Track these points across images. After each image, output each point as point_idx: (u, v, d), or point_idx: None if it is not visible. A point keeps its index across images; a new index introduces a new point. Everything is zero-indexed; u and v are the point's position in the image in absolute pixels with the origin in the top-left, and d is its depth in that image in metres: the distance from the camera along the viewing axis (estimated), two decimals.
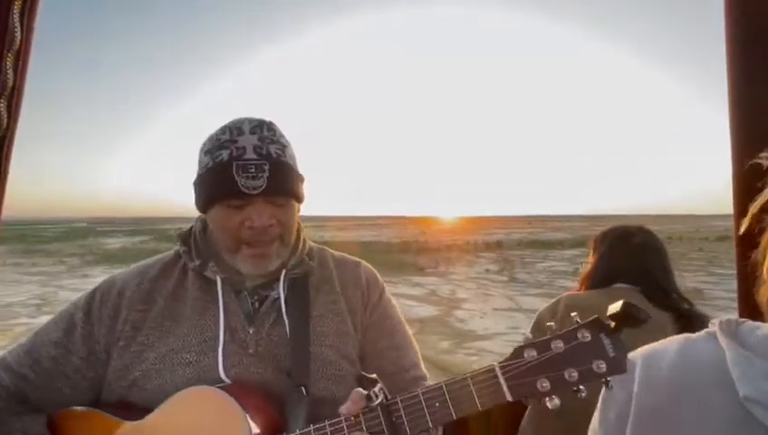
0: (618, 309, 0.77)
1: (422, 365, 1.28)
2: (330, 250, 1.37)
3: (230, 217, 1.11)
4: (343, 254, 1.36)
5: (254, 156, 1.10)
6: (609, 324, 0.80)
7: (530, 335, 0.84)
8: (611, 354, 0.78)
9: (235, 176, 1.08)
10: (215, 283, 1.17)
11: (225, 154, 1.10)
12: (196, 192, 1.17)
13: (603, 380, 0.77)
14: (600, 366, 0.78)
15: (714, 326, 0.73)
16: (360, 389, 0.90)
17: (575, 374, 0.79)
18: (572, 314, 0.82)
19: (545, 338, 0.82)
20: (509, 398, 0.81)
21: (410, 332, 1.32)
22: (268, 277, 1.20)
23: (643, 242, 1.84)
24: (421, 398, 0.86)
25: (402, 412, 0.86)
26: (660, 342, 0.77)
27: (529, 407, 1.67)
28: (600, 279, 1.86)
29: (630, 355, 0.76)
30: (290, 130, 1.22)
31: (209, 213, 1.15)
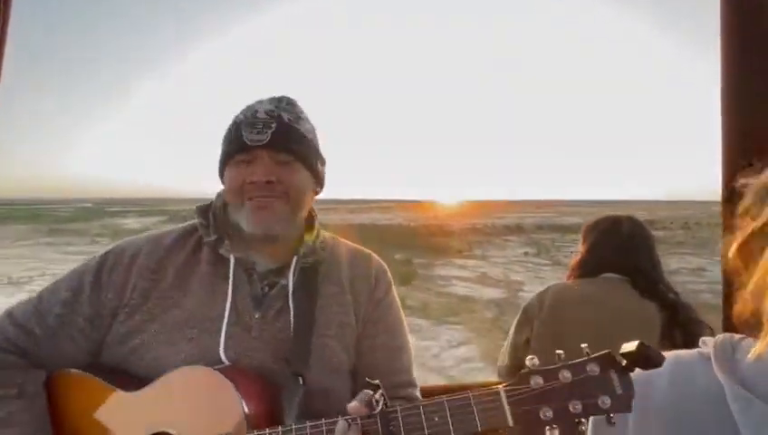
0: (633, 349, 0.75)
1: (413, 371, 1.26)
2: (343, 241, 1.36)
3: (238, 172, 1.13)
4: (356, 245, 1.35)
5: (265, 116, 1.13)
6: (620, 362, 0.77)
7: (537, 362, 0.81)
8: (618, 392, 0.77)
9: (243, 132, 1.12)
10: (227, 261, 1.17)
11: (238, 117, 1.16)
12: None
13: (607, 416, 0.77)
14: (605, 402, 0.77)
15: (706, 347, 0.71)
16: (370, 391, 0.89)
17: (579, 407, 0.78)
18: (583, 346, 0.80)
19: (554, 366, 0.81)
20: (510, 423, 0.80)
21: (408, 335, 1.31)
22: (280, 263, 1.20)
23: (632, 233, 1.87)
24: (421, 410, 0.85)
25: (400, 422, 0.86)
26: None
27: None
28: (589, 269, 1.89)
29: None
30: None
31: (225, 176, 1.17)
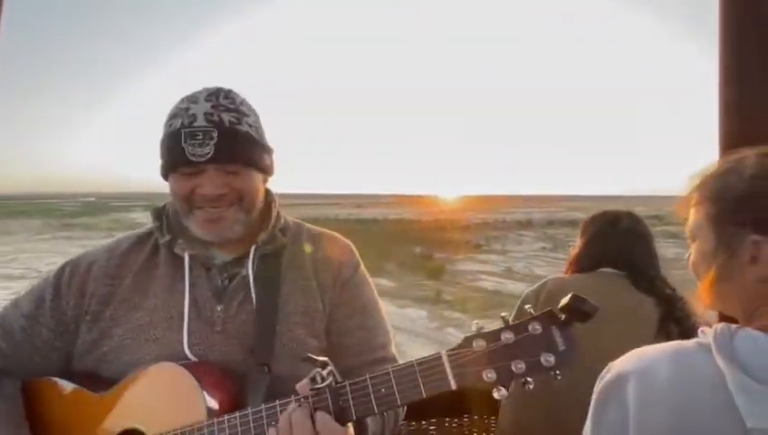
0: (566, 301, 0.75)
1: (392, 346, 1.25)
2: (307, 225, 1.33)
3: (183, 184, 1.09)
4: (320, 229, 1.33)
5: (204, 123, 1.07)
6: (560, 317, 0.77)
7: (481, 325, 0.82)
8: (561, 348, 0.76)
9: (183, 144, 1.05)
10: (183, 259, 1.16)
11: (176, 122, 1.08)
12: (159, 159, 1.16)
13: (552, 373, 0.76)
14: (549, 359, 0.77)
15: (706, 337, 0.72)
16: (318, 368, 0.89)
17: (522, 366, 0.78)
18: (526, 307, 0.81)
19: (496, 329, 0.81)
20: (453, 386, 0.80)
21: (383, 311, 1.28)
22: (238, 253, 1.18)
23: (630, 228, 1.86)
24: (369, 383, 0.86)
25: (349, 396, 0.87)
26: (648, 353, 0.75)
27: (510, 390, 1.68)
28: (587, 263, 1.88)
29: (621, 370, 0.75)
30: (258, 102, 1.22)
31: (169, 181, 1.14)
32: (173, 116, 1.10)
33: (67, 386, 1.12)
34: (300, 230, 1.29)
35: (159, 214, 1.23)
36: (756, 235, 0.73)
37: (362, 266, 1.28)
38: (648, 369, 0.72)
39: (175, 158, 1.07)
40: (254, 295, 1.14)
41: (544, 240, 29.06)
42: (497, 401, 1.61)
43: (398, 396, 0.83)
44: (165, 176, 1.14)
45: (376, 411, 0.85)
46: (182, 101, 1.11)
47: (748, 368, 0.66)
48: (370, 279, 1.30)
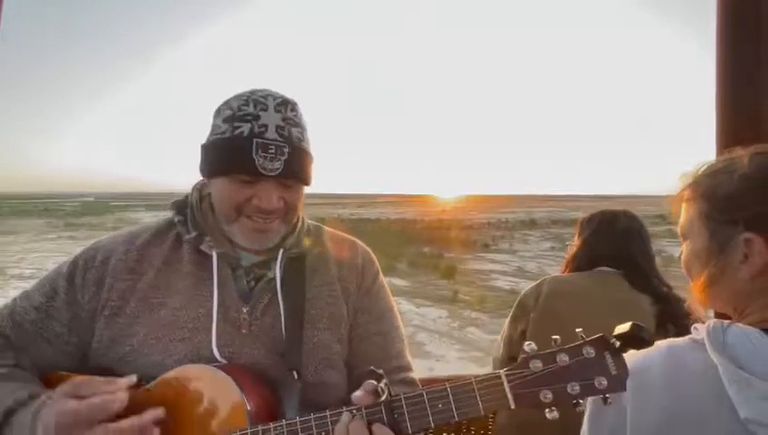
0: (626, 329, 0.79)
1: (407, 353, 1.26)
2: (326, 228, 1.33)
3: (239, 190, 1.08)
4: (340, 232, 1.33)
5: (276, 136, 1.06)
6: (614, 343, 0.81)
7: (535, 347, 0.85)
8: (613, 372, 0.80)
9: (254, 154, 1.04)
10: (210, 257, 1.13)
11: (245, 128, 1.06)
12: (205, 156, 1.12)
13: (603, 396, 0.80)
14: (602, 383, 0.80)
15: (698, 333, 0.73)
16: (374, 381, 0.89)
17: (577, 388, 0.81)
18: (578, 331, 0.84)
19: (551, 350, 0.84)
20: (512, 405, 0.83)
21: (399, 318, 1.29)
22: (265, 255, 1.17)
23: (627, 227, 1.89)
24: (425, 397, 0.86)
25: (405, 410, 0.87)
26: (643, 351, 0.77)
27: None
28: (585, 262, 1.91)
29: None
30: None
31: (215, 181, 1.11)
32: (239, 118, 1.06)
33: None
34: (320, 233, 1.29)
35: (181, 207, 1.20)
36: (747, 232, 0.74)
37: (381, 273, 1.30)
38: (642, 366, 0.74)
39: (240, 165, 1.05)
40: (281, 299, 1.13)
41: (550, 239, 29.04)
42: None
43: (455, 413, 0.85)
44: (212, 175, 1.11)
45: (432, 426, 0.86)
46: (246, 102, 1.08)
47: (740, 361, 0.67)
48: (387, 286, 1.31)
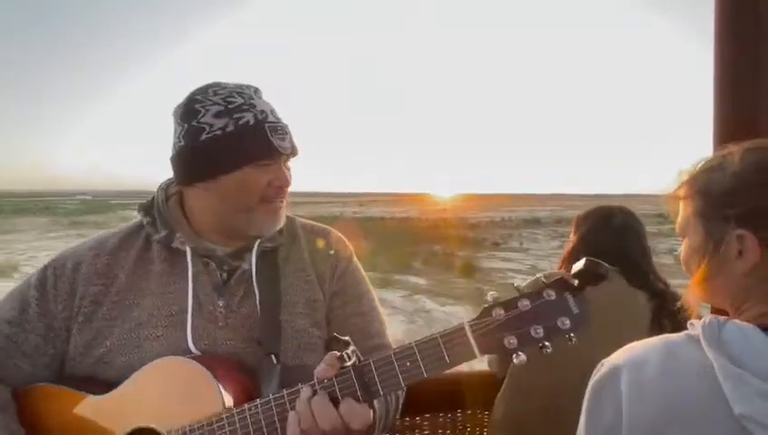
0: (581, 266, 0.80)
1: (387, 333, 1.27)
2: (299, 218, 1.35)
3: (260, 176, 1.10)
4: (312, 222, 1.36)
5: (276, 119, 1.13)
6: (573, 283, 0.81)
7: (497, 295, 0.86)
8: (575, 311, 0.81)
9: (271, 137, 1.09)
10: (182, 254, 1.14)
11: (249, 117, 1.09)
12: (206, 155, 1.10)
13: (567, 335, 0.81)
14: (565, 322, 0.81)
15: (694, 329, 0.74)
16: (335, 351, 0.90)
17: (541, 331, 0.81)
18: (537, 275, 0.85)
19: (512, 298, 0.84)
20: (478, 354, 0.84)
21: (376, 300, 1.31)
22: (237, 246, 1.18)
23: (623, 223, 1.89)
24: (393, 358, 0.87)
25: (374, 373, 0.88)
26: (638, 347, 0.77)
27: (504, 385, 1.70)
28: (580, 259, 1.87)
29: (613, 364, 0.77)
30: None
31: (227, 177, 1.09)
32: (236, 110, 1.08)
33: (63, 391, 1.07)
34: (293, 224, 1.30)
35: (148, 209, 1.20)
36: (741, 229, 0.75)
37: (355, 257, 1.32)
38: (638, 362, 0.74)
39: (262, 150, 1.09)
40: (256, 289, 1.14)
41: (556, 238, 29.10)
42: (490, 395, 1.71)
43: (423, 369, 0.85)
44: (223, 170, 1.09)
45: (403, 386, 0.87)
46: (231, 94, 1.10)
47: (736, 357, 0.67)
48: (362, 269, 1.33)
